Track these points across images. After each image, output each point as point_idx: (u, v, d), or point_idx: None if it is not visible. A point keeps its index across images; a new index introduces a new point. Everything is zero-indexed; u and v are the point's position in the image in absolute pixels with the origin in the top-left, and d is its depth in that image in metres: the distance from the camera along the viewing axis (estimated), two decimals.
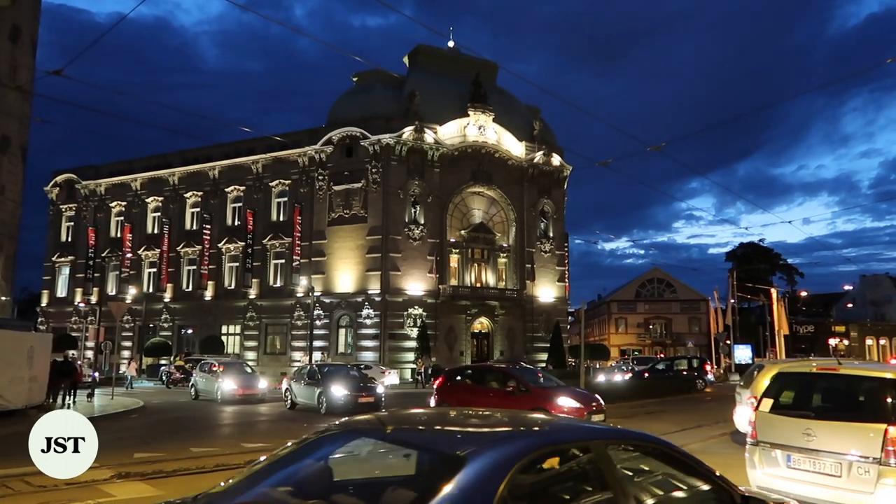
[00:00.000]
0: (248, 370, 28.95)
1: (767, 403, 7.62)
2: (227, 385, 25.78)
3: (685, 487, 3.70)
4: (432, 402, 17.72)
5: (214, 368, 27.41)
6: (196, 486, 9.17)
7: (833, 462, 6.79)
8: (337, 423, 4.09)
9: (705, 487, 3.68)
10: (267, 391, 27.60)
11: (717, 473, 3.75)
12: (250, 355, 51.40)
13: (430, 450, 3.42)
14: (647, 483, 3.63)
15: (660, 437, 3.83)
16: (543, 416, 4.41)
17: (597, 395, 17.00)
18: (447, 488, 2.83)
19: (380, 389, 21.93)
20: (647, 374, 36.59)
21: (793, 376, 8.14)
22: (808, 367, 8.13)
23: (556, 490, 3.38)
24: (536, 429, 3.76)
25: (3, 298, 23.33)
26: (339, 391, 20.41)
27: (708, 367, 36.64)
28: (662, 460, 3.71)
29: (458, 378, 18.27)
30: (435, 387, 18.56)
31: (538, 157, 54.40)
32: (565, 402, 15.48)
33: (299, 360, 43.98)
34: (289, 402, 23.05)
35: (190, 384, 29.11)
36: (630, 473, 3.54)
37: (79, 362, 27.62)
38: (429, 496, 2.83)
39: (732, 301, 52.85)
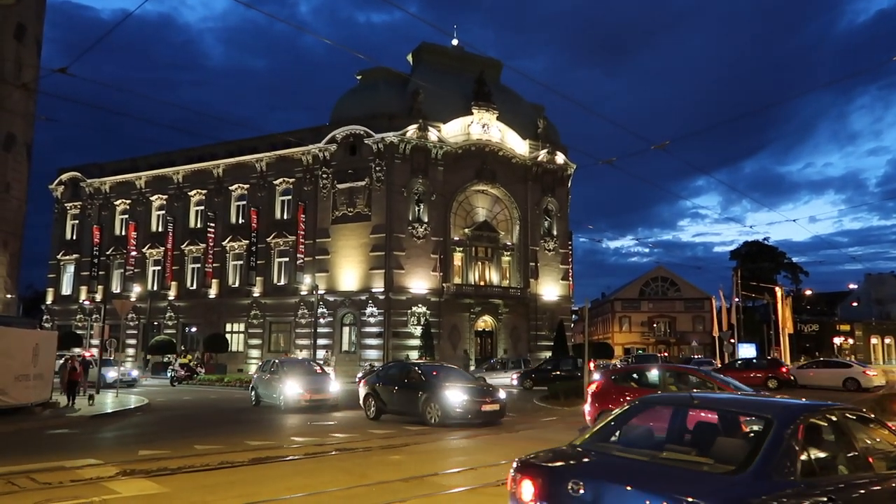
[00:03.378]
0: (317, 370, 24.35)
1: None
2: (291, 389, 21.45)
3: (886, 443, 5.21)
4: (588, 409, 15.09)
5: (275, 369, 23.32)
6: (201, 482, 9.22)
7: None
8: (646, 397, 5.84)
9: None
10: (340, 395, 23.23)
11: None
12: (254, 353, 51.51)
13: (745, 414, 5.05)
14: (866, 438, 5.10)
15: (867, 411, 5.53)
16: (791, 397, 6.00)
17: None
18: (769, 438, 4.31)
19: (502, 395, 17.87)
20: (533, 376, 35.17)
21: None
22: None
23: (824, 440, 4.83)
24: (802, 403, 5.18)
25: (9, 296, 23.40)
26: (456, 397, 16.64)
27: (592, 366, 35.56)
28: (869, 425, 5.30)
29: (625, 381, 15.82)
30: (591, 391, 15.55)
31: (542, 155, 54.37)
32: None
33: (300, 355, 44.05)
34: (372, 409, 18.72)
35: (250, 388, 25.16)
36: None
37: (80, 359, 26.67)
38: (759, 443, 4.31)
39: (737, 300, 52.71)
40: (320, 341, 46.37)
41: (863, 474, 4.65)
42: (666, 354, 69.24)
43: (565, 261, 56.50)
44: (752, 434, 4.77)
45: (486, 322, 51.44)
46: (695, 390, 14.72)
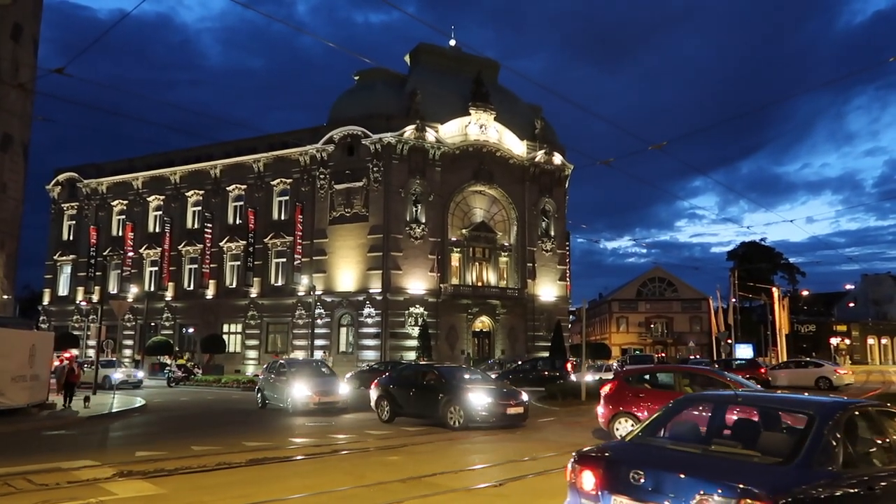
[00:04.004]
0: (326, 371, 23.72)
1: None
2: (299, 391, 20.75)
3: None
4: (602, 411, 14.55)
5: (283, 370, 22.55)
6: (198, 484, 9.19)
7: None
8: (690, 395, 6.38)
9: None
10: (350, 397, 22.68)
11: None
12: (251, 354, 51.46)
13: (786, 411, 5.45)
14: (895, 432, 5.47)
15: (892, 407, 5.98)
16: (828, 395, 6.16)
17: None
18: (812, 433, 4.68)
19: (525, 397, 17.31)
20: (510, 377, 34.68)
21: None
22: None
23: (860, 434, 5.18)
24: (839, 400, 5.57)
25: (5, 297, 23.33)
26: (480, 399, 16.06)
27: (569, 366, 35.49)
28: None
29: (639, 383, 15.28)
30: (604, 393, 14.90)
31: (539, 155, 54.41)
32: None
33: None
34: (386, 412, 17.96)
35: (256, 389, 24.50)
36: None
37: (79, 362, 26.55)
38: (804, 437, 4.70)
39: (734, 300, 52.80)
40: (318, 342, 46.32)
41: None
42: (663, 355, 69.27)
43: (563, 261, 56.52)
44: (789, 429, 5.25)
45: (483, 323, 51.43)
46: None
